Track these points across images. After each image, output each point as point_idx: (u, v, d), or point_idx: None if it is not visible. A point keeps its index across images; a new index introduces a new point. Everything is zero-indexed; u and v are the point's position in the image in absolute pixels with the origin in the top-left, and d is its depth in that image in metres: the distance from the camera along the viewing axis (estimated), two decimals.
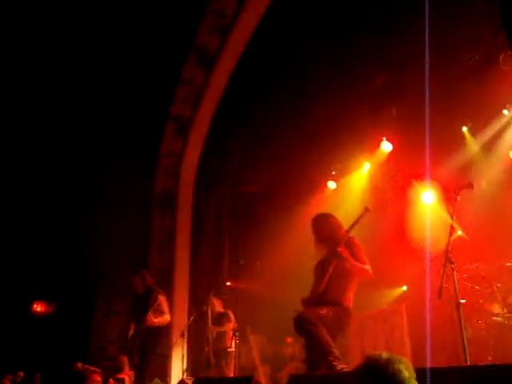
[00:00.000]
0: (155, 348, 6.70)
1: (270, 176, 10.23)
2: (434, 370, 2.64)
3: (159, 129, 9.63)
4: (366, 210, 4.80)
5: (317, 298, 4.65)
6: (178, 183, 9.71)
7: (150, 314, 6.47)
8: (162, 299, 6.72)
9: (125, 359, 7.93)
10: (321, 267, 4.86)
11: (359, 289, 4.85)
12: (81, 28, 8.81)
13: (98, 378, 7.67)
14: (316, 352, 4.49)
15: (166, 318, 6.67)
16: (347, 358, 6.90)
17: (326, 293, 4.64)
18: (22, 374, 8.97)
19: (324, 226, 4.95)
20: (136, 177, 9.74)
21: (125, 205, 9.71)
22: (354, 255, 4.65)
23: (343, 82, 8.69)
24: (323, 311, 4.51)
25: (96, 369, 8.10)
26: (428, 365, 3.52)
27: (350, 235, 4.80)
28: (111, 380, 7.73)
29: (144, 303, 6.65)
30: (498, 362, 5.25)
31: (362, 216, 4.78)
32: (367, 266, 4.67)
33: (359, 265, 4.63)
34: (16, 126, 9.55)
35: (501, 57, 7.06)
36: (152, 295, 6.68)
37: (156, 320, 6.53)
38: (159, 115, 9.56)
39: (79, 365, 8.69)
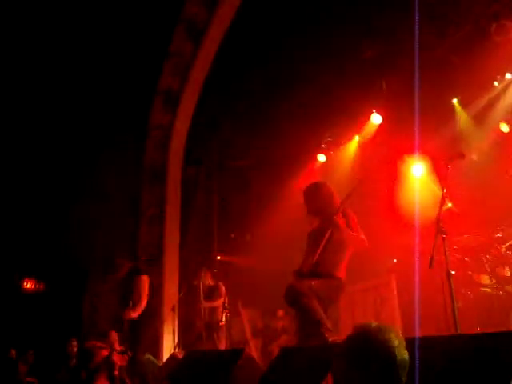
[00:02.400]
0: (144, 329, 6.65)
1: (260, 149, 10.19)
2: (423, 339, 2.64)
3: (148, 102, 9.51)
4: (360, 181, 4.77)
5: (309, 270, 4.61)
6: (167, 156, 9.63)
7: (129, 309, 6.35)
8: (142, 282, 6.51)
9: (115, 336, 7.93)
10: (313, 238, 4.80)
11: (349, 262, 4.83)
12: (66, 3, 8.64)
13: (106, 353, 7.64)
14: (307, 324, 4.48)
15: (143, 304, 6.42)
16: (338, 331, 6.94)
17: (318, 264, 4.58)
18: (13, 351, 8.97)
19: (317, 196, 4.86)
20: (125, 151, 9.66)
21: (114, 180, 9.64)
22: (348, 225, 4.61)
23: (333, 55, 8.61)
24: (315, 283, 4.47)
25: (103, 344, 8.06)
26: (418, 335, 3.54)
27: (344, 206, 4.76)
28: (115, 353, 7.71)
29: (128, 288, 6.58)
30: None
31: (356, 187, 4.74)
32: (363, 236, 4.64)
33: (355, 234, 4.58)
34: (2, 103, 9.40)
35: (493, 27, 7.00)
36: (134, 279, 6.59)
37: (135, 314, 6.39)
38: (148, 88, 9.43)
39: (74, 343, 8.70)
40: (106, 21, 8.84)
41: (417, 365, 2.02)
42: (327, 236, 4.57)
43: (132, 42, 9.11)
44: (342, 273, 4.65)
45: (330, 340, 4.22)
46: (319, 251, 4.57)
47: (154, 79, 9.40)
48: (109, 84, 9.37)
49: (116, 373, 3.93)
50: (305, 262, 4.74)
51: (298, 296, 4.41)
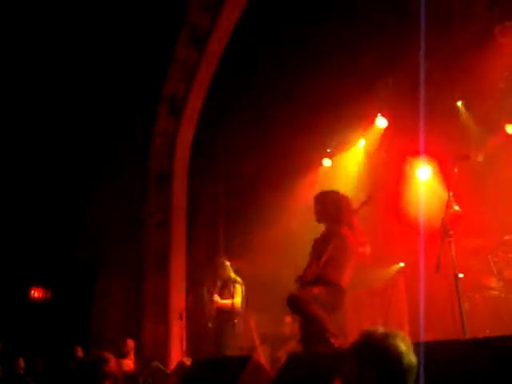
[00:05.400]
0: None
1: (265, 154, 10.18)
2: (431, 344, 2.62)
3: (152, 108, 9.54)
4: (369, 198, 4.77)
5: (312, 277, 4.61)
6: (172, 163, 9.63)
7: (217, 296, 7.40)
8: (237, 290, 7.51)
9: (131, 344, 7.92)
10: (317, 245, 4.80)
11: (353, 271, 4.80)
12: (71, 9, 8.69)
13: (113, 359, 7.60)
14: (312, 330, 4.47)
15: (234, 303, 7.35)
16: (345, 335, 6.92)
17: (321, 271, 4.60)
18: (22, 361, 8.94)
19: (325, 204, 4.86)
20: (130, 157, 9.68)
21: (120, 186, 9.66)
22: (353, 236, 4.61)
23: (337, 59, 8.61)
24: (317, 290, 4.48)
25: (109, 354, 7.98)
26: (426, 339, 3.51)
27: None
28: (129, 361, 7.69)
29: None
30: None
31: (364, 203, 4.74)
32: (367, 249, 4.61)
33: (358, 247, 4.57)
34: (12, 109, 9.45)
35: (496, 29, 6.99)
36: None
37: (221, 303, 7.40)
38: (152, 95, 9.46)
39: (79, 350, 8.67)
40: (111, 26, 8.89)
41: (422, 370, 2.00)
42: (330, 246, 4.56)
43: (136, 49, 9.15)
44: (344, 281, 4.64)
45: (335, 345, 4.21)
46: (324, 259, 4.56)
47: (158, 86, 9.42)
48: (113, 90, 9.42)
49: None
50: (307, 269, 4.73)
51: (300, 303, 4.42)
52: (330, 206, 4.82)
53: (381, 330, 2.03)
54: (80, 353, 8.52)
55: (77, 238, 10.14)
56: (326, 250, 4.58)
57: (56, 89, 9.44)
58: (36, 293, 10.86)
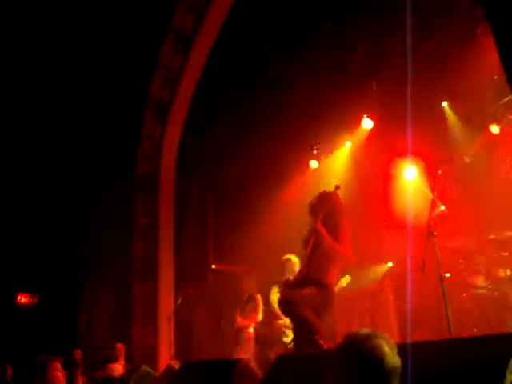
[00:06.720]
0: None
1: (252, 157, 10.17)
2: (418, 345, 2.63)
3: (138, 113, 9.50)
4: (336, 187, 4.76)
5: (300, 278, 4.64)
6: (159, 168, 9.60)
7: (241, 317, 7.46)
8: (258, 301, 7.49)
9: (121, 348, 7.84)
10: (304, 246, 4.82)
11: (346, 267, 4.82)
12: (56, 14, 8.65)
13: (59, 365, 7.46)
14: (302, 332, 4.49)
15: (257, 318, 7.38)
16: (335, 337, 6.92)
17: (308, 272, 4.62)
18: (10, 368, 8.83)
19: (317, 204, 4.88)
20: (117, 163, 9.63)
21: (107, 192, 9.61)
22: (336, 235, 4.59)
23: (322, 61, 8.64)
24: (306, 291, 4.50)
25: (54, 356, 7.82)
26: (412, 339, 3.53)
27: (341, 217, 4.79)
28: (120, 365, 7.58)
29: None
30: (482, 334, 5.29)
31: (333, 193, 4.74)
32: (339, 246, 4.57)
33: (335, 244, 4.55)
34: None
35: (478, 30, 7.05)
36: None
37: (246, 321, 7.42)
38: (138, 99, 9.42)
39: (78, 351, 8.52)
40: (97, 31, 8.86)
41: (409, 371, 2.00)
42: (312, 243, 4.59)
43: (122, 54, 9.12)
44: (331, 280, 4.65)
45: (324, 347, 4.22)
46: (306, 260, 4.61)
47: (144, 91, 9.39)
48: (99, 98, 9.38)
49: None
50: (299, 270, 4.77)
51: (291, 305, 4.44)
52: (319, 205, 4.83)
53: (364, 331, 2.04)
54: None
55: (64, 242, 10.07)
56: (308, 249, 4.62)
57: (40, 94, 9.38)
58: (23, 298, 10.76)
